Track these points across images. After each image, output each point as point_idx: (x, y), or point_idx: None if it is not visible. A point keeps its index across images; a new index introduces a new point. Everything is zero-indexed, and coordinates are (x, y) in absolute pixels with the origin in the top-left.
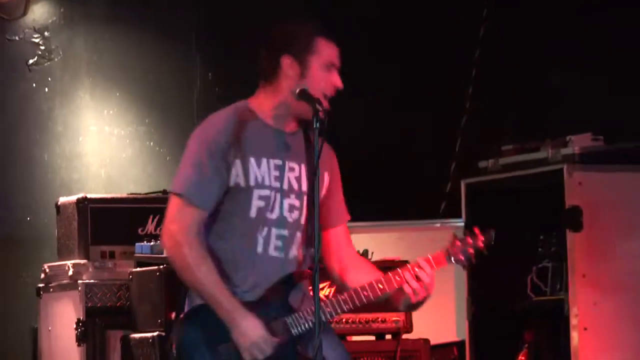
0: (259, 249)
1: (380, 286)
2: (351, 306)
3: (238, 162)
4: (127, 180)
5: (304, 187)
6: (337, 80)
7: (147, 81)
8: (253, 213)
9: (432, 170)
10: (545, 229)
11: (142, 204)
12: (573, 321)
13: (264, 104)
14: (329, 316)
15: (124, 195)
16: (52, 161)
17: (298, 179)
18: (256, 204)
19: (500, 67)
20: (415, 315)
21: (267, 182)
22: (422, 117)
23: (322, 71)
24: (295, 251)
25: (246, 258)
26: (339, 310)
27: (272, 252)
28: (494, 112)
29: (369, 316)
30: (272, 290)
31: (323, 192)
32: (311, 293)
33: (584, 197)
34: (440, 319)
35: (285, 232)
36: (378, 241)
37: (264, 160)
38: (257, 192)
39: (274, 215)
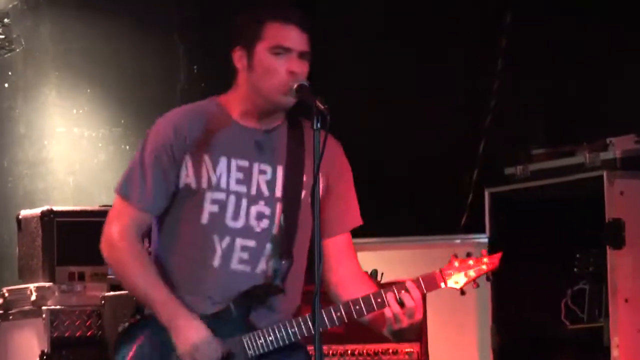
0: (216, 261)
1: (357, 307)
2: (326, 326)
3: (189, 161)
4: (99, 189)
5: (278, 193)
6: (291, 65)
7: (122, 76)
8: (204, 219)
9: (451, 178)
10: (582, 246)
11: None
12: (614, 352)
13: (232, 100)
14: (292, 337)
15: (95, 207)
16: (13, 168)
17: (270, 184)
18: (208, 208)
19: (530, 58)
20: (432, 345)
21: (223, 185)
22: (440, 116)
23: (269, 58)
24: (264, 265)
25: (199, 272)
26: (304, 331)
27: (235, 265)
28: (523, 110)
29: (379, 347)
30: (233, 304)
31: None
32: (280, 313)
33: (626, 209)
34: (461, 349)
35: (251, 243)
36: (389, 260)
37: (223, 160)
38: (209, 196)
39: (238, 224)
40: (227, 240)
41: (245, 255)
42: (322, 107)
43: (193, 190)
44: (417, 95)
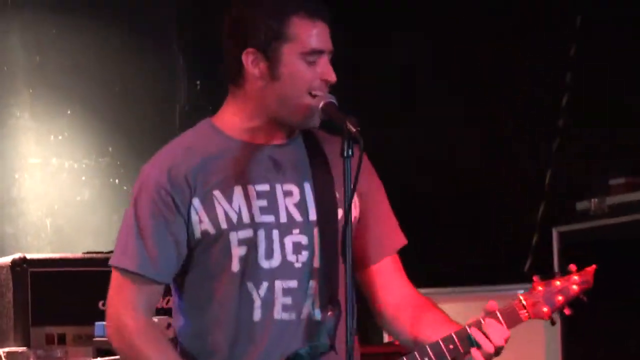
0: (257, 314)
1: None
2: None
3: (198, 204)
4: (83, 233)
5: (312, 215)
6: (327, 72)
7: (110, 94)
8: (235, 266)
9: (511, 215)
10: None
11: (102, 266)
12: None
13: (233, 116)
14: None
15: (78, 255)
16: None
17: (301, 206)
18: (237, 252)
19: (604, 72)
20: None
21: (245, 219)
22: (498, 140)
23: (300, 64)
24: (309, 308)
25: (238, 331)
26: None
27: (278, 314)
28: (598, 133)
29: None
30: None
31: (352, 216)
32: None
33: None
34: None
35: (293, 284)
36: None
37: (238, 190)
38: (233, 237)
39: (273, 263)
40: (264, 286)
41: (288, 300)
42: (354, 129)
43: (214, 236)
44: (470, 120)
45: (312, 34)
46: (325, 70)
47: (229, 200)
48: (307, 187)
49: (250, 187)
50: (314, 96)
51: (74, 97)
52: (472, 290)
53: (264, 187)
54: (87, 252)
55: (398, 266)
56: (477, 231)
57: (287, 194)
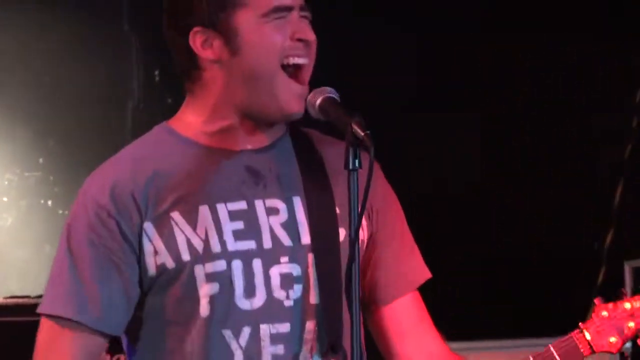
0: None
1: None
2: None
3: (151, 230)
4: (3, 271)
5: (305, 237)
6: (300, 29)
7: (39, 87)
8: (204, 310)
9: (571, 246)
10: None
11: (29, 315)
12: None
13: (195, 117)
14: None
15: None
16: None
17: (290, 226)
18: (205, 291)
19: None
20: None
21: (215, 247)
22: (556, 159)
23: (263, 28)
24: (306, 357)
25: None
26: None
27: None
28: None
29: None
30: None
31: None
32: None
33: None
34: None
35: (284, 328)
36: None
37: (204, 210)
38: (199, 271)
39: (256, 302)
40: (246, 332)
41: (279, 349)
42: (362, 133)
43: (174, 271)
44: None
45: None
46: (297, 27)
47: (192, 223)
48: (297, 202)
49: (220, 206)
50: (289, 66)
51: None
52: (527, 344)
53: (239, 205)
54: (10, 297)
55: (420, 307)
56: (532, 268)
57: (271, 211)
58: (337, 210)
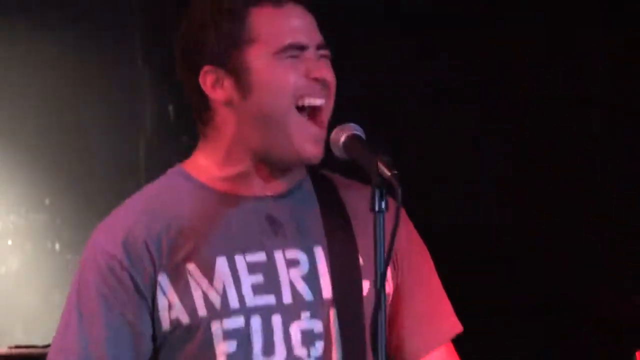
0: None
1: None
2: None
3: (166, 282)
4: (9, 319)
5: (327, 291)
6: (314, 67)
7: (47, 123)
8: None
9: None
10: None
11: None
12: None
13: (208, 161)
14: None
15: (3, 349)
16: None
17: (310, 279)
18: (222, 349)
19: None
20: None
21: (233, 303)
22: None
23: (276, 66)
24: None
25: None
26: None
27: None
28: None
29: None
30: None
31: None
32: None
33: None
34: None
35: None
36: None
37: (222, 262)
38: (218, 327)
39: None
40: None
41: None
42: (389, 173)
43: (188, 328)
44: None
45: (283, 25)
46: (312, 65)
47: (209, 276)
48: (318, 252)
49: (238, 258)
50: (304, 108)
51: None
52: None
53: (259, 257)
54: (15, 346)
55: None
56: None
57: (291, 263)
58: (361, 261)
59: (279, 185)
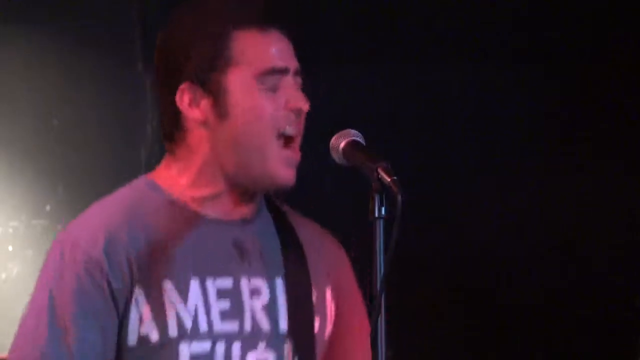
0: None
1: None
2: None
3: (142, 297)
4: (9, 327)
5: (283, 324)
6: (294, 97)
7: (47, 130)
8: None
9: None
10: None
11: None
12: None
13: (178, 176)
14: None
15: (3, 355)
16: None
17: (270, 310)
18: None
19: None
20: None
21: (203, 326)
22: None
23: (255, 92)
24: None
25: None
26: None
27: None
28: None
29: None
30: None
31: (327, 328)
32: None
33: None
34: None
35: None
36: None
37: (195, 284)
38: (184, 350)
39: None
40: None
41: None
42: (389, 179)
43: (156, 345)
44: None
45: (266, 49)
46: (291, 95)
47: (184, 297)
48: (279, 284)
49: (209, 282)
50: (280, 136)
51: None
52: None
53: (226, 282)
54: None
55: None
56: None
57: (254, 292)
58: (314, 297)
59: (245, 210)
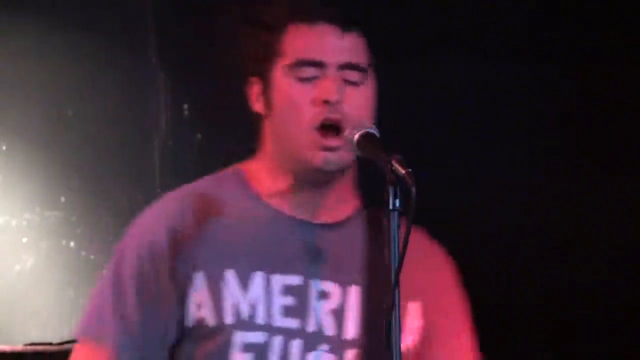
0: None
1: None
2: None
3: (202, 281)
4: (23, 317)
5: (350, 332)
6: (323, 90)
7: (62, 122)
8: None
9: None
10: None
11: None
12: None
13: (259, 169)
14: None
15: (17, 347)
16: None
17: (338, 315)
18: (237, 359)
19: None
20: None
21: (260, 318)
22: None
23: (290, 84)
24: None
25: None
26: None
27: None
28: None
29: None
30: None
31: (409, 342)
32: None
33: None
34: None
35: None
36: None
37: (259, 277)
38: (239, 338)
39: None
40: None
41: None
42: (403, 171)
43: (210, 330)
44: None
45: (307, 42)
46: (323, 86)
47: (245, 287)
48: (353, 292)
49: (275, 277)
50: (320, 127)
51: (10, 127)
52: None
53: (294, 280)
54: (30, 344)
55: None
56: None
57: (323, 295)
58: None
59: (326, 215)
